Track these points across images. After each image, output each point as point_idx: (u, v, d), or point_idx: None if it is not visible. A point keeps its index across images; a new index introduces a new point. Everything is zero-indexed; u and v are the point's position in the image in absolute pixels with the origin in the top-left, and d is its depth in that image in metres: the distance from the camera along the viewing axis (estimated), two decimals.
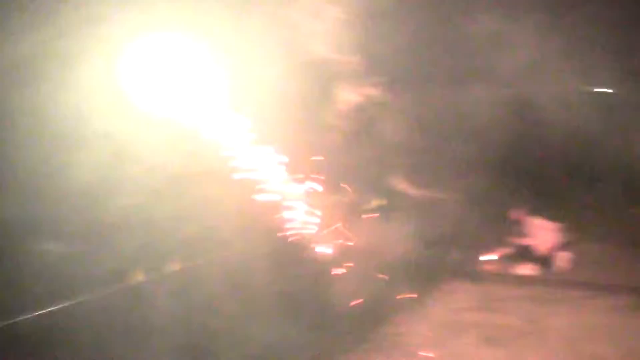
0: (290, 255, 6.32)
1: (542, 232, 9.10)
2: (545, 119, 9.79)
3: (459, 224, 8.70)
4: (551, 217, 9.33)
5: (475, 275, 8.58)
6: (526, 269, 8.93)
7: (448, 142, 8.99)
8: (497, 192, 9.38)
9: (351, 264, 6.59)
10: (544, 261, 8.99)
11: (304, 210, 6.32)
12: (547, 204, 9.75)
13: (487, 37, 7.76)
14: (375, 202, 8.15)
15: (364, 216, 7.67)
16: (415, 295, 7.65)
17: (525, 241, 9.10)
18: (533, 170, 10.94)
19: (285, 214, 6.14)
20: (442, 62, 8.82)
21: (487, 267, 8.99)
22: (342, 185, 7.18)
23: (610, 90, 13.12)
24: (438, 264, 8.64)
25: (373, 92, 7.32)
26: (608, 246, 10.00)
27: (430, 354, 6.06)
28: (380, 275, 6.86)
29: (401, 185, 8.27)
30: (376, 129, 7.85)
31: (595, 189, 12.01)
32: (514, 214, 9.43)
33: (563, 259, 9.04)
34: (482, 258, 9.00)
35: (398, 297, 7.32)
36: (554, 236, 9.10)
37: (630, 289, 8.03)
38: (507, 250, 9.34)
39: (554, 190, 10.58)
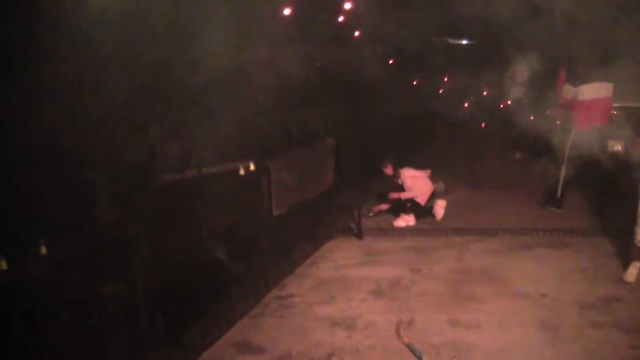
0: None
1: (416, 182, 9.29)
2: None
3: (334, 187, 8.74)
4: (420, 167, 9.57)
5: (357, 232, 8.66)
6: (407, 221, 9.14)
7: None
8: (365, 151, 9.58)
9: None
10: (423, 211, 9.22)
11: None
12: (415, 156, 9.97)
13: None
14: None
15: None
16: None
17: (404, 195, 9.27)
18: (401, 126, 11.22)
19: None
20: None
21: (369, 223, 9.08)
22: None
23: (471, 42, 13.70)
24: (318, 224, 8.68)
25: None
26: (483, 192, 10.42)
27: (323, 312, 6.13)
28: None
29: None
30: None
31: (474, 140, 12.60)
32: (385, 169, 9.56)
33: (439, 207, 9.31)
34: (363, 216, 9.07)
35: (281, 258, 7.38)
36: (428, 184, 9.34)
37: (505, 230, 8.43)
38: (387, 206, 9.53)
39: (422, 144, 10.85)
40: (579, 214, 8.97)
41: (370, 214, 9.46)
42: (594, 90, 8.96)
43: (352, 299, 6.45)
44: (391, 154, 9.63)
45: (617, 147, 9.88)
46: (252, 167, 6.68)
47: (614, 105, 9.48)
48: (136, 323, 5.02)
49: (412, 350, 5.22)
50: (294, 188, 7.65)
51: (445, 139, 12.05)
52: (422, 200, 9.21)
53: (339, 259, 7.80)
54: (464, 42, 14.94)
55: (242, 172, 6.62)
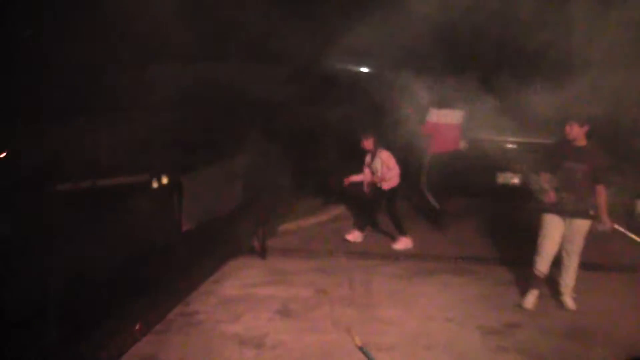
0: None
1: (395, 167, 9.01)
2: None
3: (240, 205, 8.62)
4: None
5: (261, 251, 8.52)
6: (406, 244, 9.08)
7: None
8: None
9: None
10: (382, 196, 9.13)
11: None
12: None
13: None
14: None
15: None
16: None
17: (383, 176, 8.97)
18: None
19: None
20: None
21: (273, 243, 8.93)
22: None
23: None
24: (222, 242, 8.47)
25: None
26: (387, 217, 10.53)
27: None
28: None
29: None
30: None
31: None
32: (365, 141, 9.11)
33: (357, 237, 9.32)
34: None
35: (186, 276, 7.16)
36: (397, 174, 9.04)
37: (412, 255, 8.55)
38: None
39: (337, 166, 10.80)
40: (480, 242, 9.21)
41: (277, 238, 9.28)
42: (445, 116, 9.60)
43: (259, 317, 6.32)
44: (376, 130, 9.23)
45: (515, 180, 10.28)
46: (164, 180, 6.48)
47: (517, 140, 9.92)
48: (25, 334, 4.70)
49: (365, 353, 5.18)
50: (205, 205, 7.49)
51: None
52: (389, 185, 8.99)
53: (243, 277, 7.62)
54: (365, 70, 14.99)
55: (154, 185, 6.41)
